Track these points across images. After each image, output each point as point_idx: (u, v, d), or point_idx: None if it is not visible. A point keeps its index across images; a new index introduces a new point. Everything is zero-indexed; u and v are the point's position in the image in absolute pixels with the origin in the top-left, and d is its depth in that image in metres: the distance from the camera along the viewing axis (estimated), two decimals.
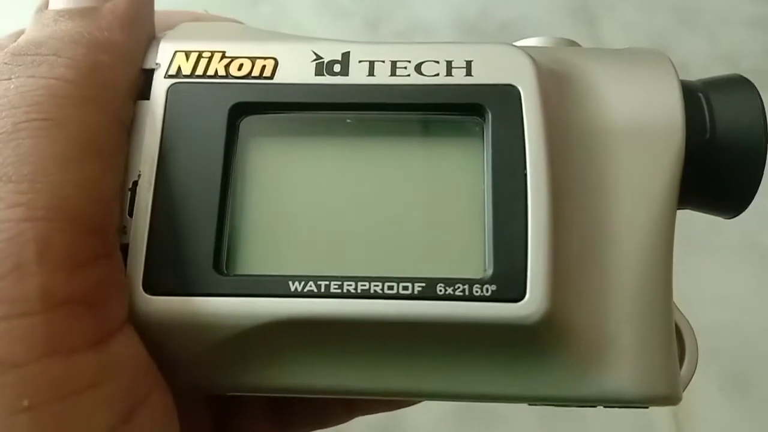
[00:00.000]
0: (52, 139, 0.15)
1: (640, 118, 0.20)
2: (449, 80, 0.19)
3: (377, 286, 0.17)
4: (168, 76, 0.19)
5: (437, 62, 0.19)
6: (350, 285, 0.17)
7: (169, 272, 0.17)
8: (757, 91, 0.21)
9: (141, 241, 0.17)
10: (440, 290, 0.17)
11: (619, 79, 0.20)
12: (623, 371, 0.18)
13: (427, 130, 0.20)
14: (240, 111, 0.19)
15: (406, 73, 0.19)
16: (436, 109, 0.19)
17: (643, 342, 0.18)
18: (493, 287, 0.17)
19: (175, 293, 0.17)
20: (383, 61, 0.19)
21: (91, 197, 0.15)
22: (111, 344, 0.15)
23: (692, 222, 0.69)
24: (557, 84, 0.20)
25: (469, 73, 0.19)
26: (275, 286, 0.17)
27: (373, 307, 0.17)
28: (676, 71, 0.21)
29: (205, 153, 0.18)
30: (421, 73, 0.19)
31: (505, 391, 0.18)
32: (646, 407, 0.19)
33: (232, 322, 0.17)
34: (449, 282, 0.17)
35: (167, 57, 0.19)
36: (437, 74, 0.19)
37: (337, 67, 0.19)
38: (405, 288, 0.17)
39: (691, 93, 0.21)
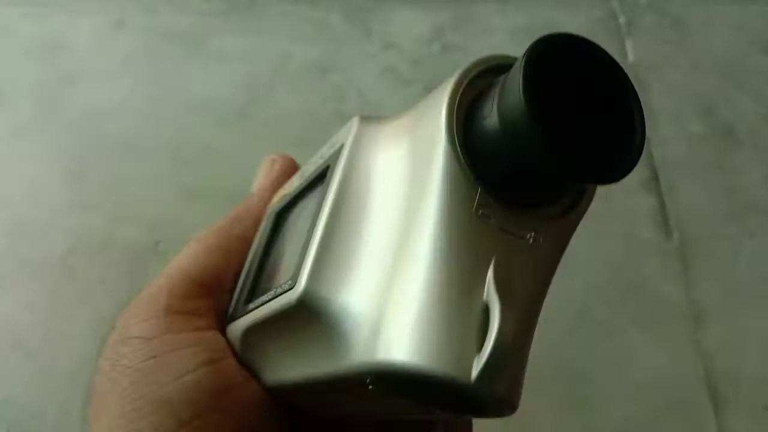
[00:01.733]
0: (195, 245, 0.28)
1: (413, 140, 0.22)
2: (327, 157, 0.25)
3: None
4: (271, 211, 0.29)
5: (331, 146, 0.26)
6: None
7: (234, 309, 0.27)
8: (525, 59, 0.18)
9: (235, 298, 0.28)
10: (267, 297, 0.24)
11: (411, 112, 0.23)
12: (397, 345, 0.18)
13: (313, 190, 0.26)
14: (280, 214, 0.29)
15: (314, 164, 0.27)
16: (320, 175, 0.25)
17: (419, 319, 0.18)
18: (289, 284, 0.22)
19: (231, 320, 0.27)
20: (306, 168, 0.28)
21: (205, 270, 0.27)
22: (205, 333, 0.25)
23: (740, 271, 0.71)
24: (377, 135, 0.23)
25: (338, 146, 0.25)
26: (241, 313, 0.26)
27: (253, 315, 0.25)
28: (466, 69, 0.20)
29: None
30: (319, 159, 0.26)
31: (300, 374, 0.23)
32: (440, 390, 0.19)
33: (233, 335, 0.26)
34: (276, 291, 0.23)
35: (280, 199, 0.29)
36: (321, 157, 0.26)
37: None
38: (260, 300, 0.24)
39: (477, 84, 0.21)
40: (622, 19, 0.89)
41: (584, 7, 0.90)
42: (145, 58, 0.89)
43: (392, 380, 0.19)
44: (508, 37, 0.87)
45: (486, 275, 0.19)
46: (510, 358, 0.18)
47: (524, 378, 0.19)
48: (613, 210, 0.74)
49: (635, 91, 0.19)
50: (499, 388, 0.18)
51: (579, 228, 0.22)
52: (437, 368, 0.18)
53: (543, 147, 0.17)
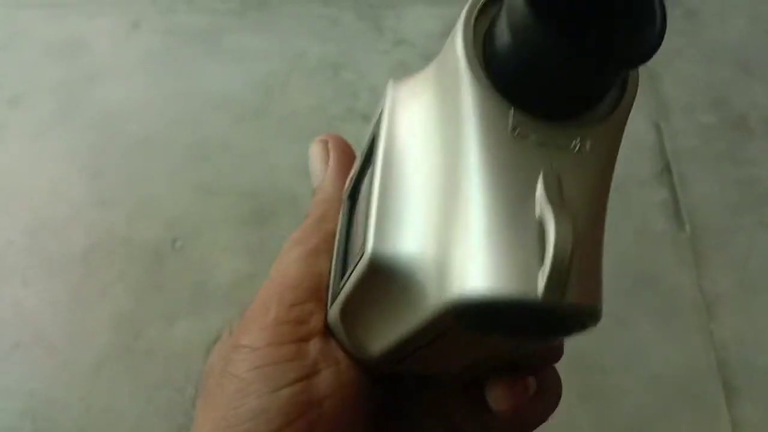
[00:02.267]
0: (295, 249, 0.29)
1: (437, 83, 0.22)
2: (372, 127, 0.26)
3: None
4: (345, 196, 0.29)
5: None
6: None
7: (331, 295, 0.27)
8: None
9: (331, 285, 0.28)
10: (348, 273, 0.24)
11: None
12: (463, 278, 0.19)
13: (369, 163, 0.26)
14: (350, 196, 0.29)
15: None
16: (371, 147, 0.26)
17: (477, 249, 0.19)
18: (360, 253, 0.22)
19: (330, 305, 0.27)
20: None
21: (309, 273, 0.28)
22: (305, 345, 0.27)
23: (753, 262, 0.71)
24: (410, 91, 0.24)
25: None
26: None
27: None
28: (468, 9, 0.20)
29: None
30: None
31: (394, 337, 0.23)
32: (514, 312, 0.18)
33: (333, 318, 0.27)
34: (353, 263, 0.24)
35: (349, 182, 0.29)
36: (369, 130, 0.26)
37: None
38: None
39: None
40: None
41: None
42: (161, 58, 0.90)
43: (471, 315, 0.19)
44: None
45: (535, 192, 0.19)
46: (576, 262, 0.18)
47: (601, 280, 0.19)
48: (626, 202, 0.74)
49: None
50: (571, 297, 0.18)
51: None
52: (504, 291, 0.18)
53: (547, 37, 0.17)
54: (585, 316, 0.19)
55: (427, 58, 0.92)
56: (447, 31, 0.21)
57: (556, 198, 0.19)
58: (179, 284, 0.74)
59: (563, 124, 0.20)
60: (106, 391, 0.69)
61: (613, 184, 0.21)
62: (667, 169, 0.77)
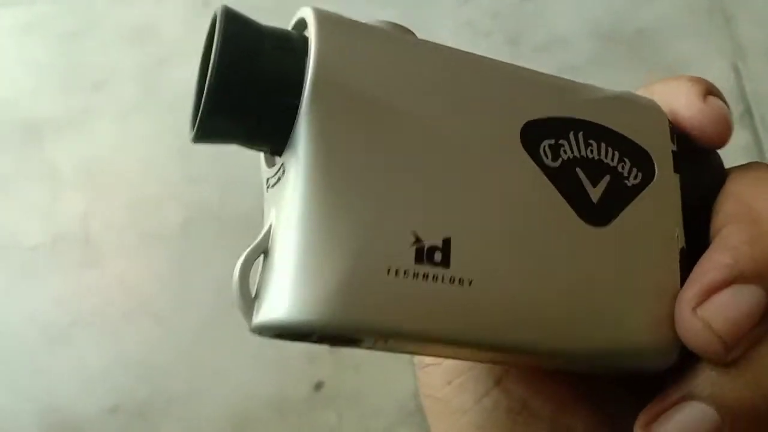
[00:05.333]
0: None
1: None
2: None
3: None
4: None
5: None
6: None
7: None
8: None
9: None
10: None
11: None
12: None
13: None
14: None
15: None
16: None
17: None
18: None
19: None
20: None
21: None
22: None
23: None
24: None
25: None
26: None
27: None
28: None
29: None
30: None
31: None
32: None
33: None
34: None
35: None
36: None
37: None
38: None
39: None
40: None
41: None
42: None
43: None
44: None
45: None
46: (262, 286, 0.20)
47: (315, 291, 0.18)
48: None
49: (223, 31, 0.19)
50: (260, 316, 0.19)
51: None
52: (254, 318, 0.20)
53: None
54: (305, 328, 0.18)
55: (494, 16, 0.92)
56: None
57: (264, 233, 0.20)
58: None
59: (278, 160, 0.20)
60: (212, 354, 0.73)
61: None
62: (747, 111, 0.76)
